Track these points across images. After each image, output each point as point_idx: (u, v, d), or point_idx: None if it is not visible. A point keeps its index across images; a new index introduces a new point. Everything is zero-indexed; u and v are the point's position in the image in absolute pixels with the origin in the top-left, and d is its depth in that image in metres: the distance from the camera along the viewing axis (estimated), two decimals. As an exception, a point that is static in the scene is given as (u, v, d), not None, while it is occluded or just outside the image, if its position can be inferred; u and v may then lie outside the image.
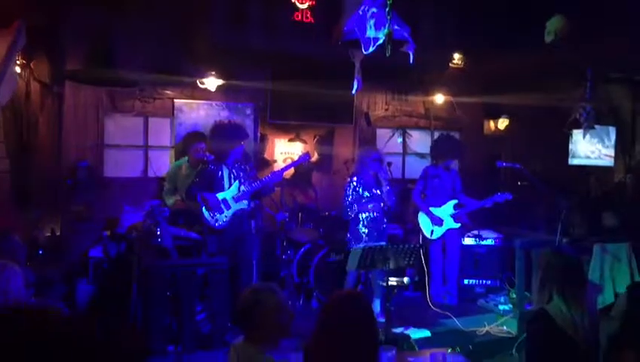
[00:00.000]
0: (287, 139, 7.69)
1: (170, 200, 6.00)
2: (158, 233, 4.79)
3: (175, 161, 6.67)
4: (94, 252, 5.82)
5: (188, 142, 6.29)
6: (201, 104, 7.06)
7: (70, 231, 6.06)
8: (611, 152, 7.59)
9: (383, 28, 3.82)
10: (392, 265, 5.04)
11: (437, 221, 6.39)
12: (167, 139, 6.97)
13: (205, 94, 6.96)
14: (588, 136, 7.35)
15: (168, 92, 6.87)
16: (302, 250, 6.35)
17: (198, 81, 6.75)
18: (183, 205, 5.88)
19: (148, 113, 6.84)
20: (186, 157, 6.19)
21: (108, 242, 5.89)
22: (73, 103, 6.33)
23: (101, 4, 5.39)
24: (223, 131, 5.35)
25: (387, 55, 3.43)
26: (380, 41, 3.86)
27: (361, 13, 3.95)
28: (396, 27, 3.72)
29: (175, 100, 6.94)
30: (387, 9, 3.42)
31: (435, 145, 6.85)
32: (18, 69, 5.65)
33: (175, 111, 6.94)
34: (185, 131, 6.80)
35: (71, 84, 6.17)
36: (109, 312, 5.17)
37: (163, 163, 6.88)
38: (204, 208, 5.29)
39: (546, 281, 2.98)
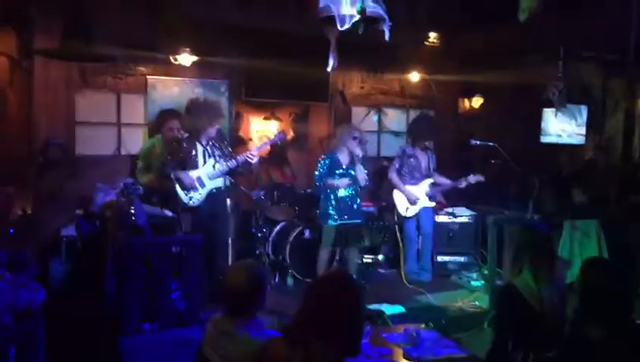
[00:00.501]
0: (262, 117, 7.64)
1: (143, 179, 5.93)
2: (132, 211, 4.75)
3: (149, 138, 6.59)
4: (67, 231, 5.75)
5: (161, 119, 6.22)
6: (175, 81, 6.96)
7: (42, 210, 5.96)
8: (582, 130, 7.72)
9: (357, 4, 3.79)
10: (366, 243, 5.10)
11: (413, 199, 6.44)
12: (140, 116, 6.85)
13: (179, 71, 6.86)
14: (559, 114, 7.45)
15: (141, 68, 6.75)
16: (277, 227, 6.36)
17: (171, 57, 6.65)
18: (156, 183, 5.83)
19: (120, 90, 6.71)
20: (160, 135, 6.12)
21: (81, 221, 5.83)
22: (43, 79, 6.17)
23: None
24: (198, 109, 5.29)
25: (360, 32, 3.40)
26: (355, 18, 3.83)
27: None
28: (370, 3, 3.69)
29: (148, 77, 6.82)
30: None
31: (413, 126, 6.87)
32: (-16, 45, 5.52)
33: (148, 88, 6.83)
34: (158, 108, 6.71)
35: (40, 59, 6.01)
36: (83, 291, 5.14)
37: (136, 140, 6.78)
38: (177, 186, 5.26)
39: (517, 256, 3.05)
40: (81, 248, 5.68)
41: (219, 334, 2.47)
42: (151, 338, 4.38)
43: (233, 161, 5.35)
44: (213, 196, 5.40)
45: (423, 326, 3.79)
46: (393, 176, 6.57)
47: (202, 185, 5.30)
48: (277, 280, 6.19)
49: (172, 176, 5.22)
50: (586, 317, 2.56)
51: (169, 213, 5.49)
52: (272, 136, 5.85)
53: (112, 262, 4.94)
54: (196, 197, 5.30)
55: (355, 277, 5.64)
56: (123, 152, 6.75)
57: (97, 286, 4.96)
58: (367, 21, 3.53)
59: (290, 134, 7.71)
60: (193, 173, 5.26)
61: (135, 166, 6.26)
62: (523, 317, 2.90)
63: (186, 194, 5.26)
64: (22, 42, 5.98)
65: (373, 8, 3.66)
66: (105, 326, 4.49)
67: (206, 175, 5.32)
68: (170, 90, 6.92)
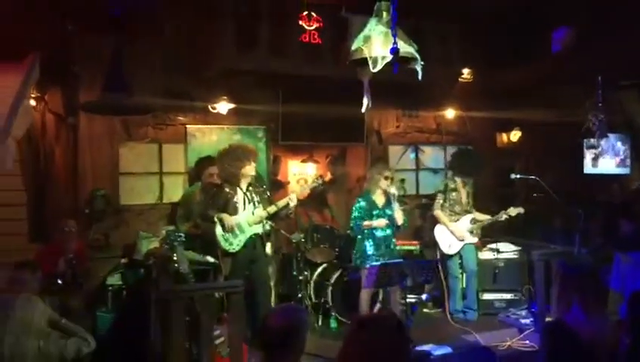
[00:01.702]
0: (299, 160, 7.72)
1: (184, 226, 6.03)
2: (175, 258, 4.81)
3: (188, 186, 6.72)
4: (112, 279, 5.85)
5: (200, 167, 6.34)
6: (213, 128, 7.12)
7: (88, 260, 6.09)
8: (627, 161, 7.54)
9: (389, 46, 3.84)
10: (409, 282, 5.02)
11: (458, 236, 6.36)
12: (180, 164, 7.01)
13: (217, 118, 7.02)
14: (601, 145, 7.30)
15: (180, 118, 6.94)
16: (318, 269, 6.34)
17: (209, 106, 6.82)
18: (197, 230, 5.92)
19: (161, 140, 6.91)
20: (199, 183, 6.23)
21: (126, 269, 5.93)
22: (88, 133, 6.40)
23: (111, 32, 5.45)
24: (229, 156, 5.40)
25: (394, 73, 3.44)
26: (388, 59, 3.88)
27: (367, 32, 3.99)
28: (403, 44, 3.73)
29: (187, 126, 7.00)
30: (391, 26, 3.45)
31: (454, 159, 6.82)
32: (33, 102, 5.76)
33: (188, 137, 7.00)
34: (197, 156, 6.85)
35: (85, 115, 6.24)
36: (130, 340, 5.18)
37: (177, 188, 6.92)
38: (218, 230, 5.31)
39: (564, 291, 2.96)
40: (126, 296, 5.76)
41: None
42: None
43: (273, 206, 5.42)
44: (252, 241, 5.44)
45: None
46: (438, 212, 6.51)
47: (242, 231, 5.35)
48: (320, 323, 6.13)
49: (215, 218, 5.29)
50: (638, 352, 2.45)
51: (210, 259, 5.54)
52: (311, 183, 5.90)
53: (156, 309, 4.98)
54: (235, 243, 5.34)
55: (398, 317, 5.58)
56: (165, 200, 6.88)
57: (143, 334, 4.99)
58: (400, 62, 3.56)
59: (328, 176, 7.75)
60: (234, 219, 5.32)
61: (176, 213, 6.37)
62: (575, 354, 2.80)
63: (226, 240, 5.31)
64: (67, 99, 6.23)
65: (405, 48, 3.71)
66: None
67: (246, 221, 5.38)
68: (209, 137, 7.08)
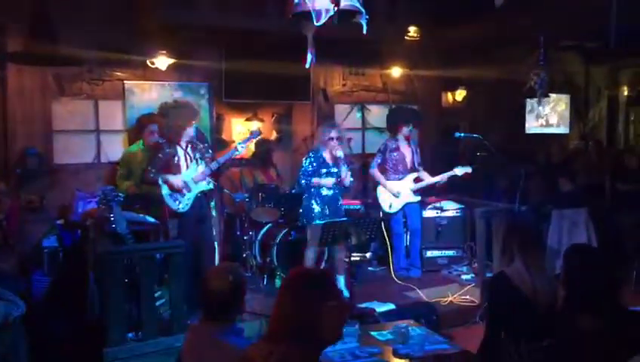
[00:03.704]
0: (244, 119, 7.55)
1: (124, 185, 5.83)
2: (112, 218, 4.64)
3: (128, 144, 6.48)
4: (48, 241, 5.63)
5: (141, 124, 6.09)
6: (153, 85, 6.86)
7: (22, 222, 5.84)
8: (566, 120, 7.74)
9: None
10: (353, 241, 5.01)
11: (395, 194, 6.37)
12: (118, 122, 6.75)
13: (157, 74, 6.76)
14: (542, 104, 7.45)
15: (118, 73, 6.65)
16: (263, 229, 6.27)
17: (148, 61, 6.55)
18: (137, 190, 5.73)
19: (97, 96, 6.61)
20: (141, 141, 6.02)
21: (62, 231, 5.72)
22: (17, 88, 6.06)
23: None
24: (170, 112, 5.19)
25: (334, 23, 3.33)
26: (332, 13, 3.76)
27: (310, -17, 3.85)
28: (347, -4, 3.61)
29: (125, 82, 6.71)
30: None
31: (389, 117, 6.80)
32: (-45, 54, 5.40)
33: (126, 93, 6.73)
34: (137, 114, 6.58)
35: (14, 67, 5.89)
36: (67, 303, 5.03)
37: (116, 147, 6.67)
38: (165, 190, 5.15)
39: (506, 246, 3.02)
40: (63, 259, 5.57)
41: (198, 342, 2.39)
42: (136, 347, 4.28)
43: (214, 162, 5.26)
44: (199, 200, 5.30)
45: (412, 322, 3.72)
46: (373, 171, 6.49)
47: (189, 189, 5.20)
48: (265, 283, 6.09)
49: (160, 180, 5.11)
50: (574, 306, 2.51)
51: (151, 220, 5.38)
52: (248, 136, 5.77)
53: (95, 271, 4.83)
54: (185, 201, 5.19)
55: (342, 276, 5.59)
56: (103, 160, 6.63)
57: (81, 296, 4.85)
58: (344, 14, 3.46)
59: (274, 134, 7.62)
60: (179, 178, 5.15)
61: (115, 173, 6.15)
62: (515, 305, 2.86)
63: (174, 200, 5.15)
64: (-8, 50, 5.87)
65: (349, 1, 3.59)
66: (89, 337, 4.38)
67: (191, 179, 5.22)
68: (149, 94, 6.83)
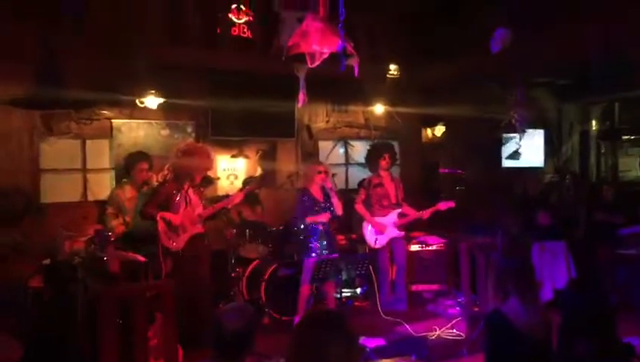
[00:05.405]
0: (229, 155, 7.62)
1: (111, 223, 5.83)
2: (105, 258, 4.64)
3: (116, 182, 6.49)
4: (34, 282, 5.56)
5: (131, 161, 6.13)
6: (141, 123, 6.90)
7: (8, 262, 5.77)
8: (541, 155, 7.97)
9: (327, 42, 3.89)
10: (344, 276, 5.09)
11: (379, 230, 6.48)
12: (105, 161, 6.76)
13: (144, 113, 6.81)
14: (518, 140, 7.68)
15: (106, 112, 6.69)
16: (251, 266, 6.30)
17: (137, 100, 6.61)
18: (124, 228, 5.75)
19: (85, 135, 6.63)
20: (129, 179, 6.04)
21: (48, 271, 5.65)
22: (6, 127, 6.05)
23: (32, 20, 5.16)
24: (193, 153, 5.28)
25: (342, 70, 3.49)
26: (325, 55, 3.92)
27: (305, 27, 4.01)
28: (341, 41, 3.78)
29: (113, 120, 6.75)
30: (339, 24, 3.48)
31: (367, 154, 6.94)
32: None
33: (113, 132, 6.76)
34: (124, 152, 6.61)
35: (1, 108, 5.89)
36: (53, 345, 4.95)
37: (103, 186, 6.66)
38: (161, 228, 5.17)
39: (500, 284, 3.11)
40: (48, 299, 5.50)
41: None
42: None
43: (211, 208, 5.37)
44: (194, 239, 5.35)
45: (413, 358, 3.78)
46: (359, 206, 6.61)
47: (185, 230, 5.25)
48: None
49: (158, 217, 5.14)
50: (571, 337, 2.60)
51: (140, 258, 5.38)
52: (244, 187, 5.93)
53: (84, 312, 4.79)
54: (179, 241, 5.23)
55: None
56: (90, 198, 6.62)
57: (67, 337, 4.79)
58: (340, 57, 3.61)
59: (258, 171, 7.70)
60: (177, 217, 5.20)
61: (102, 212, 6.14)
62: (512, 341, 2.95)
63: (169, 239, 5.19)
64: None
65: (343, 45, 3.75)
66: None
67: (188, 220, 5.27)
68: (136, 132, 6.87)
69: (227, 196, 5.85)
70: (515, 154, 7.82)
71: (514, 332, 2.94)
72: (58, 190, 6.47)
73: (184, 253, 5.25)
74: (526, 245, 6.12)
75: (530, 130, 7.68)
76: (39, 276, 5.60)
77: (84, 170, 6.66)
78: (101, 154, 6.74)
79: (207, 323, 5.20)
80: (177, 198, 5.24)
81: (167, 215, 5.17)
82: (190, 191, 5.34)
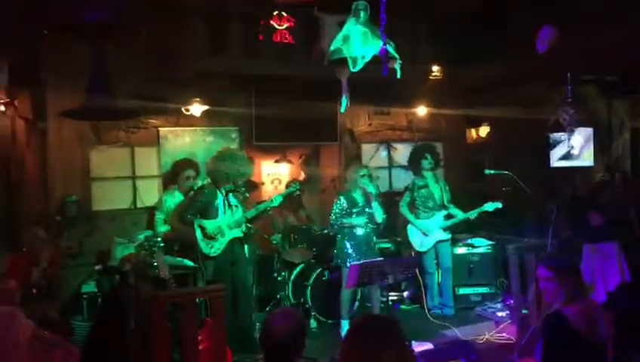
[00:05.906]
0: (273, 161, 7.69)
1: (161, 230, 5.94)
2: (155, 264, 4.74)
3: (163, 189, 6.63)
4: (87, 287, 5.74)
5: (177, 169, 6.25)
6: (186, 130, 7.05)
7: (61, 268, 5.96)
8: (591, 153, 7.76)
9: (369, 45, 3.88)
10: (390, 280, 5.05)
11: (425, 233, 6.42)
12: (154, 168, 6.92)
13: (190, 120, 6.95)
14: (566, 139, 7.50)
15: (153, 120, 6.86)
16: (296, 270, 6.34)
17: (183, 109, 6.75)
18: (175, 233, 5.84)
19: (133, 143, 6.81)
20: (176, 186, 6.15)
21: (100, 276, 5.81)
22: (57, 138, 6.28)
23: (85, 37, 5.33)
24: (231, 159, 5.35)
25: (385, 74, 3.48)
26: (367, 59, 3.92)
27: (346, 31, 4.01)
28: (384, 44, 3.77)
29: (160, 128, 6.91)
30: (380, 28, 3.48)
31: (411, 157, 6.88)
32: (2, 108, 5.59)
33: (160, 140, 6.91)
34: (171, 159, 6.75)
35: (55, 120, 6.10)
36: (107, 349, 5.08)
37: (151, 192, 6.82)
38: (199, 234, 5.26)
39: (564, 286, 3.05)
40: (101, 304, 5.65)
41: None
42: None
43: (252, 210, 5.42)
44: (232, 243, 5.41)
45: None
46: (403, 209, 6.56)
47: (222, 234, 5.32)
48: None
49: (195, 224, 5.23)
50: (625, 339, 2.54)
51: (189, 263, 5.48)
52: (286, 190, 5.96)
53: (136, 317, 4.89)
54: (216, 246, 5.30)
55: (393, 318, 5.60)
56: (139, 205, 6.78)
57: (121, 342, 4.90)
58: (382, 60, 3.60)
59: (302, 176, 7.74)
60: (215, 223, 5.28)
61: (151, 218, 6.27)
62: (572, 344, 2.88)
63: (207, 244, 5.26)
64: (36, 104, 6.08)
65: (386, 48, 3.74)
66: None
67: (226, 225, 5.34)
68: (182, 140, 7.03)
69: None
70: (568, 155, 7.64)
71: (574, 335, 2.87)
72: (108, 197, 6.64)
73: (223, 258, 5.32)
74: (577, 247, 5.96)
75: (579, 129, 7.48)
76: (92, 282, 5.79)
77: (134, 177, 6.83)
78: (149, 162, 6.91)
79: (247, 328, 5.29)
80: (216, 203, 5.32)
81: (203, 222, 5.25)
82: (230, 195, 5.40)
